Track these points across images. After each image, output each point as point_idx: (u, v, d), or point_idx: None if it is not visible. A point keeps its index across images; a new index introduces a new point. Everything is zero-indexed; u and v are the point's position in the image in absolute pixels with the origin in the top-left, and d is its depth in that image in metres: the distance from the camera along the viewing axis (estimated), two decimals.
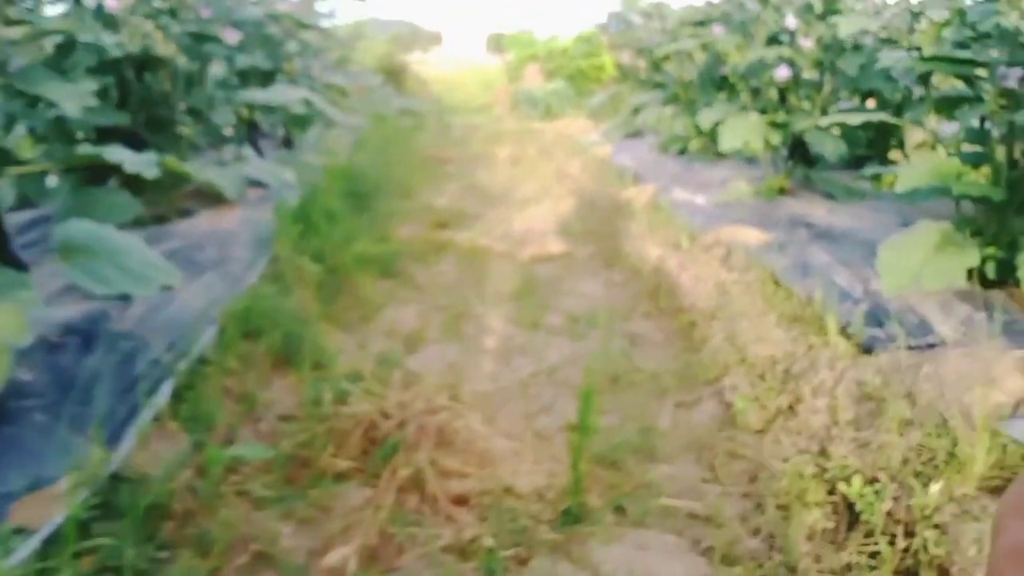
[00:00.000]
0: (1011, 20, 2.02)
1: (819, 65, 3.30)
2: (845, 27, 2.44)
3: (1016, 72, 2.02)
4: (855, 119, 2.21)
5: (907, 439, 1.66)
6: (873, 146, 3.84)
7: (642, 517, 1.70)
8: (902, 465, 1.61)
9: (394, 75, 11.18)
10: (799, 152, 3.60)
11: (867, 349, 2.06)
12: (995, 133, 2.15)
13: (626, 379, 2.38)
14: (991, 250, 2.17)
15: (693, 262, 3.08)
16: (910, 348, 1.96)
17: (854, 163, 3.97)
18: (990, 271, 2.18)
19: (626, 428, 2.08)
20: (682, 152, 4.91)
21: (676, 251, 3.34)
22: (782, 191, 3.77)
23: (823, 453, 1.79)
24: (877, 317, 2.17)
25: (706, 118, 3.54)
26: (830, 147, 3.18)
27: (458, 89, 14.05)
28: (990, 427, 1.56)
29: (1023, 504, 0.35)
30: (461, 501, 1.76)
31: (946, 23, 2.18)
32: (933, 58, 2.08)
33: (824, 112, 3.39)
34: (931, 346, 1.96)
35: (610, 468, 1.89)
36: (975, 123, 2.25)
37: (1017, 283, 2.11)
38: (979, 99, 2.12)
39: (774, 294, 2.54)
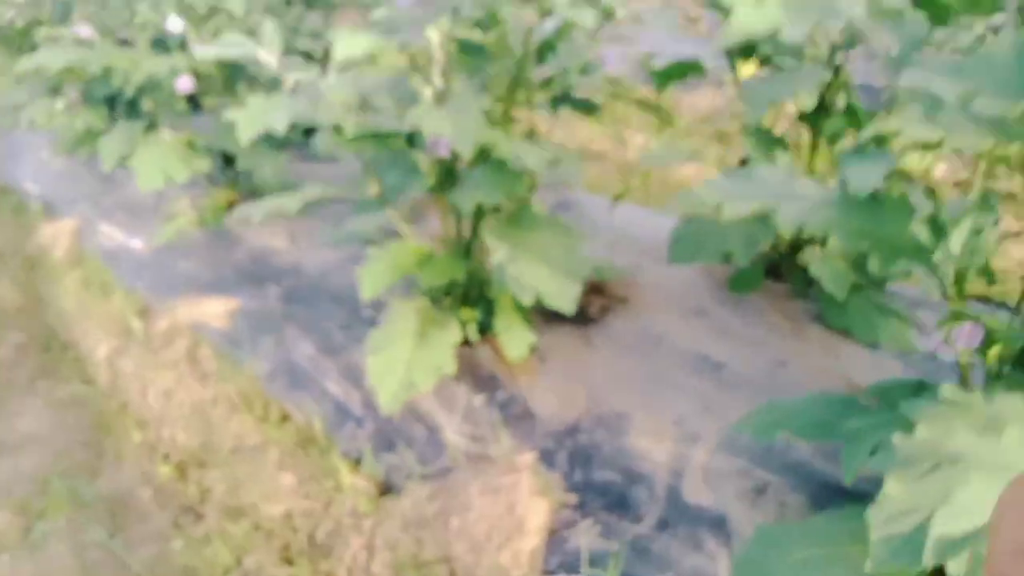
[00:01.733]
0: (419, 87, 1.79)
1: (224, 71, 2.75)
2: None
3: (444, 141, 1.82)
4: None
5: None
6: None
7: None
8: None
9: None
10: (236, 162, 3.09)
11: (388, 486, 1.83)
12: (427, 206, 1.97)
13: None
14: (468, 313, 2.06)
15: (155, 366, 2.45)
16: (429, 478, 1.77)
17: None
18: (472, 332, 2.09)
19: None
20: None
21: (129, 341, 2.64)
22: (231, 204, 3.25)
23: None
24: (386, 435, 1.93)
25: (110, 152, 2.76)
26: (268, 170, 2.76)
27: None
28: None
29: (1022, 502, 0.33)
30: None
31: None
32: (357, 138, 1.76)
33: None
34: (449, 470, 1.80)
35: None
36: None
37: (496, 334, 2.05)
38: (417, 168, 1.89)
39: (266, 415, 2.13)
